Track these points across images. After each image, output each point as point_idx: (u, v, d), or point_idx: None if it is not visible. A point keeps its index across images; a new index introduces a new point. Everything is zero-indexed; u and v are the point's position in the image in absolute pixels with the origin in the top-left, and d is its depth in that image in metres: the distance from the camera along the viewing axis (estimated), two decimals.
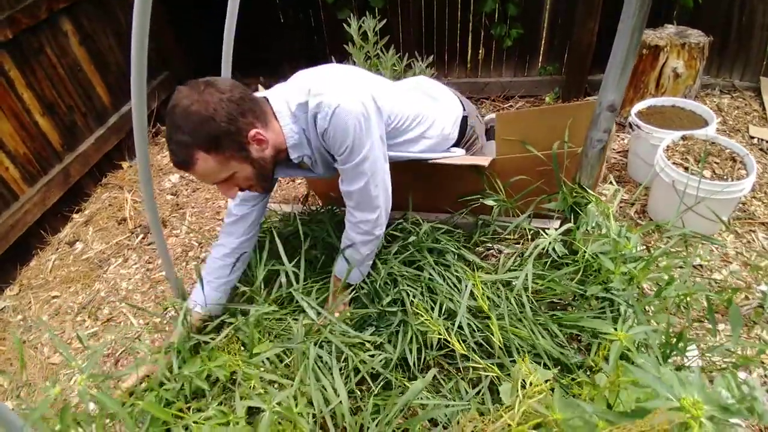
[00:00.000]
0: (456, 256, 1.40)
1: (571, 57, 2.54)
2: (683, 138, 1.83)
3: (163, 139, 2.75)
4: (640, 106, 2.07)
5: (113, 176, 2.47)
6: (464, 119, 1.47)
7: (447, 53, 2.68)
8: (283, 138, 1.13)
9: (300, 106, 1.11)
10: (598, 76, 2.58)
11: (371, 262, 1.36)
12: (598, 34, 2.39)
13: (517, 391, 0.90)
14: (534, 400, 0.71)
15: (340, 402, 0.95)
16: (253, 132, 1.05)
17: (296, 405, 0.73)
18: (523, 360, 0.83)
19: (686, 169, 1.69)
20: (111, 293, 1.85)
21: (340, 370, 1.09)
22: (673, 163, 1.69)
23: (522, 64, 2.68)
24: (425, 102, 1.39)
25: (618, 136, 2.34)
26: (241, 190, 1.18)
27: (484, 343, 1.19)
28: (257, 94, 1.15)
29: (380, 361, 1.15)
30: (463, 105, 1.49)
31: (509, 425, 0.82)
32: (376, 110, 1.15)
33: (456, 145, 1.47)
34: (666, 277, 1.05)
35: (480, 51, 2.65)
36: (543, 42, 2.59)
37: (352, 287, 1.37)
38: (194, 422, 0.83)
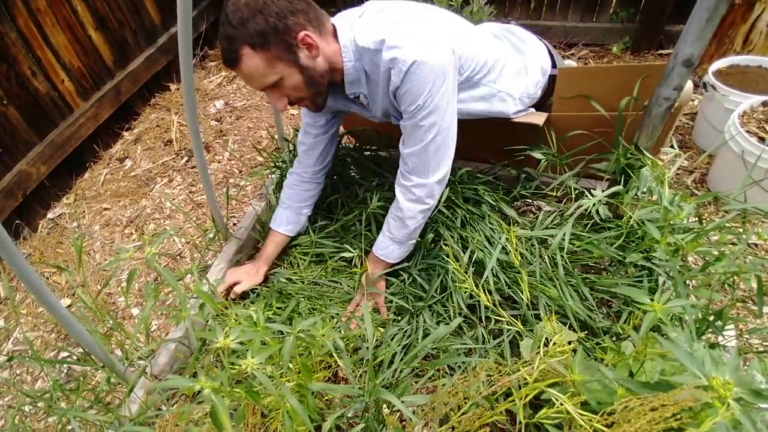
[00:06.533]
0: (492, 208, 1.37)
1: (649, 1, 2.28)
2: (764, 104, 1.65)
3: (211, 63, 2.74)
4: (719, 64, 1.87)
5: (161, 97, 2.51)
6: (552, 79, 1.31)
7: None
8: (340, 59, 1.06)
9: (367, 51, 1.04)
10: (676, 27, 2.32)
11: (414, 243, 1.28)
12: None
13: (539, 348, 0.90)
14: (554, 360, 0.70)
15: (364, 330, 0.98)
16: (302, 34, 0.98)
17: (322, 327, 0.76)
18: (549, 320, 0.82)
19: (762, 139, 1.53)
20: (156, 210, 1.95)
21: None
22: (747, 131, 1.54)
23: (591, 8, 2.43)
24: (509, 53, 1.24)
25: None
26: (292, 104, 1.12)
27: (512, 295, 1.18)
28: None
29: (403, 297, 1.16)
30: (553, 60, 1.33)
31: (525, 380, 0.83)
32: (455, 68, 1.06)
33: (539, 106, 1.34)
34: (716, 253, 0.98)
35: None
36: None
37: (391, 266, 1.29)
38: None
